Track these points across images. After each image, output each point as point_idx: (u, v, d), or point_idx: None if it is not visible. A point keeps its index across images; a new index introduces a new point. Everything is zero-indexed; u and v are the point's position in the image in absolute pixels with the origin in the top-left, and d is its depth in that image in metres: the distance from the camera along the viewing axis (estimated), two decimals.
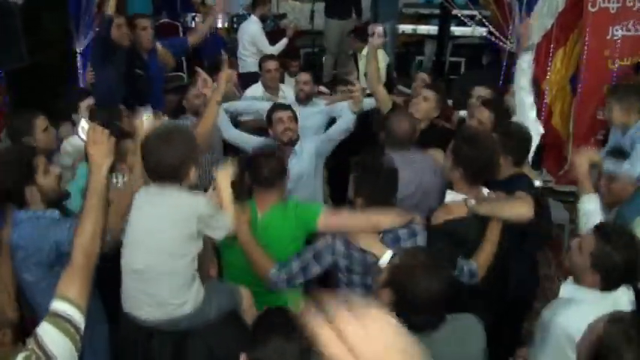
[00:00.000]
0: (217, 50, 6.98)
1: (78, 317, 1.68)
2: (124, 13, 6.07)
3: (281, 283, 2.27)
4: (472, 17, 5.53)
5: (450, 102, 5.63)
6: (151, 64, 4.53)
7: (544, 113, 5.44)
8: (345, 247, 2.30)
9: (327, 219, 2.35)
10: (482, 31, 5.60)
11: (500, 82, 5.56)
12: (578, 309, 1.89)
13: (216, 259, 2.52)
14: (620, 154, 3.05)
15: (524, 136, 2.82)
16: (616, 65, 5.01)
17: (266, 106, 3.68)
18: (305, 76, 4.23)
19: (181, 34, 7.34)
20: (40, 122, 3.01)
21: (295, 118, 3.49)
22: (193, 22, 7.09)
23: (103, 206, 1.85)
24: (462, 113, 4.10)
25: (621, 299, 1.93)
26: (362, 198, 2.33)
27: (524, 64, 3.22)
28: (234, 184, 2.22)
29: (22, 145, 2.79)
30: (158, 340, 2.01)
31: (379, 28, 3.59)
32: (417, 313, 1.69)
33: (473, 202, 2.31)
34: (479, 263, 2.29)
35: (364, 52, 6.06)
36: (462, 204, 2.34)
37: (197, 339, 2.02)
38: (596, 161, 3.08)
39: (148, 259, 1.92)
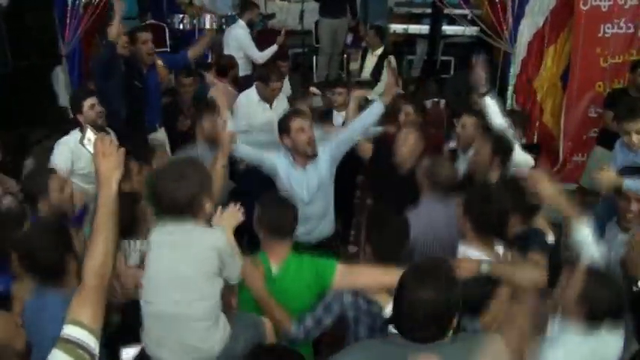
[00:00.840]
0: (204, 51, 6.89)
1: (92, 343, 1.58)
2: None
3: (299, 339, 2.28)
4: (464, 16, 5.51)
5: (442, 102, 5.66)
6: (150, 77, 4.47)
7: (535, 111, 5.47)
8: (353, 297, 2.29)
9: (343, 277, 2.31)
10: (473, 30, 5.56)
11: (497, 82, 5.55)
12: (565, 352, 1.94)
13: None
14: (634, 171, 2.95)
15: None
16: (607, 63, 5.00)
17: (271, 158, 3.27)
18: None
19: (167, 36, 7.28)
20: (54, 183, 2.80)
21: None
22: (181, 24, 6.97)
23: (114, 222, 1.73)
24: (452, 144, 3.98)
25: (608, 342, 1.95)
26: (371, 247, 2.36)
27: (492, 107, 3.20)
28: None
29: (55, 214, 2.61)
30: None
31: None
32: (410, 323, 1.63)
33: (487, 266, 2.25)
34: (484, 324, 2.22)
35: (378, 51, 5.97)
36: (473, 262, 2.27)
37: None
38: (618, 185, 2.91)
39: (175, 303, 1.84)
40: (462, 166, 3.42)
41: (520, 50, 5.24)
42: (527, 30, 5.17)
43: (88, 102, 3.52)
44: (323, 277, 2.32)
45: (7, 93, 5.17)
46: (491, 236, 2.40)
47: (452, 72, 7.33)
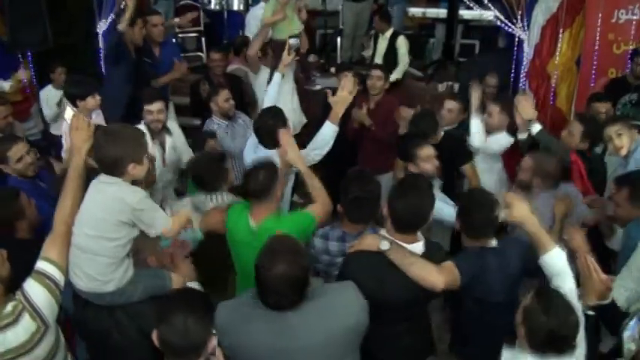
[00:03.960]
0: (236, 29, 7.19)
1: (58, 275, 2.09)
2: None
3: None
4: (479, 1, 5.56)
5: (456, 86, 5.76)
6: (163, 54, 4.94)
7: (548, 96, 5.51)
8: (323, 240, 2.72)
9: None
10: (490, 14, 5.63)
11: (513, 68, 5.62)
12: None
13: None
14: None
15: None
16: (620, 50, 5.01)
17: None
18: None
19: (201, 16, 7.61)
20: (14, 153, 3.08)
21: None
22: (211, 5, 7.27)
23: (81, 184, 2.20)
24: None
25: None
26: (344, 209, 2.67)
27: (474, 128, 3.59)
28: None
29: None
30: (92, 309, 2.27)
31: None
32: (267, 292, 1.90)
33: (386, 244, 2.25)
34: None
35: (387, 34, 6.17)
36: (375, 239, 2.31)
37: (123, 314, 2.27)
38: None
39: (86, 238, 2.15)
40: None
41: (534, 35, 5.31)
42: (540, 15, 5.22)
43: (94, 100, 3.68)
44: (303, 222, 2.68)
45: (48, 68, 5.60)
46: (407, 232, 2.33)
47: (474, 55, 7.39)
